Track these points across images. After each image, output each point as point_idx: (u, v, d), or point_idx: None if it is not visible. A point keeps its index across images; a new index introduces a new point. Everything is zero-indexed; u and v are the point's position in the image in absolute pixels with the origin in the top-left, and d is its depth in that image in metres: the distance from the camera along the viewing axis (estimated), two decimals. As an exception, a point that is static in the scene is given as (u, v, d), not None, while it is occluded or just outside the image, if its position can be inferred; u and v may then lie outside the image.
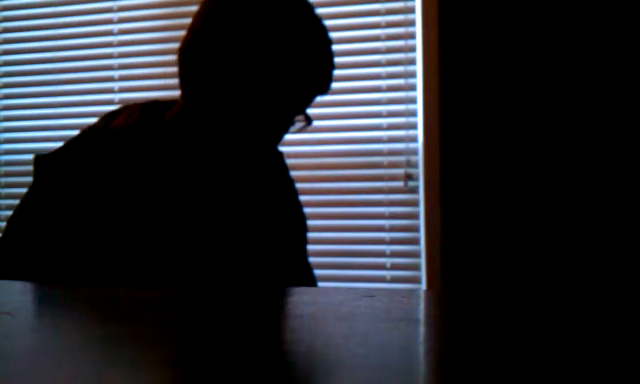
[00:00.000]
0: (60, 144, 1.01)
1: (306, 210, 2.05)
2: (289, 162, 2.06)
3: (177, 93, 2.27)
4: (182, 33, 2.13)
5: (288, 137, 2.15)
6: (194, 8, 2.17)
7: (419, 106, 1.96)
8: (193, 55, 0.93)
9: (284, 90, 0.90)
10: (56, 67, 2.27)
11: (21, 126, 2.31)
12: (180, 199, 0.95)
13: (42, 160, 0.99)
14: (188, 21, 2.16)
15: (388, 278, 2.01)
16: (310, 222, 2.05)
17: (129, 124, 0.98)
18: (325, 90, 0.99)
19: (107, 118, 1.02)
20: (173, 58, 2.14)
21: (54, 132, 2.26)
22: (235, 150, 0.96)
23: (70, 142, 1.01)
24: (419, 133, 1.97)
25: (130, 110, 1.01)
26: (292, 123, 0.97)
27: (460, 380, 0.37)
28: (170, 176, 0.95)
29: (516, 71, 1.86)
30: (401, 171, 2.00)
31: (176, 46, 2.15)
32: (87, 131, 1.01)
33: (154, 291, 0.70)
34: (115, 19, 2.21)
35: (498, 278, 1.87)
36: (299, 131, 0.99)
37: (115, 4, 2.20)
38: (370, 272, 2.02)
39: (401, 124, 2.00)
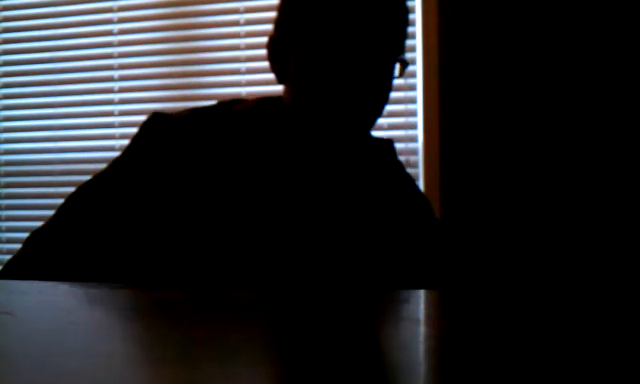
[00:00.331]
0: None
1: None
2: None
3: (175, 93, 2.27)
4: (182, 33, 2.14)
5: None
6: (194, 8, 2.19)
7: (419, 106, 1.96)
8: (277, 45, 0.92)
9: (366, 43, 0.83)
10: (56, 67, 2.27)
11: (21, 125, 2.31)
12: (293, 192, 0.88)
13: (158, 117, 0.95)
14: (188, 21, 2.18)
15: (388, 277, 2.01)
16: (309, 222, 2.05)
17: (247, 107, 0.95)
18: (403, 26, 0.88)
19: (233, 100, 0.99)
20: (173, 58, 2.14)
21: (54, 132, 2.26)
22: (350, 125, 0.87)
23: (194, 109, 0.97)
24: (419, 133, 1.97)
25: (250, 99, 0.99)
26: (392, 74, 0.89)
27: (460, 380, 0.37)
28: (283, 165, 0.89)
29: (516, 71, 1.86)
30: (401, 171, 2.00)
31: (176, 46, 2.17)
32: (213, 105, 0.98)
33: (160, 292, 0.70)
34: (115, 19, 2.21)
35: (497, 278, 1.87)
36: (402, 76, 0.92)
37: (115, 4, 2.20)
38: (370, 272, 2.02)
39: (400, 124, 2.00)
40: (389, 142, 1.01)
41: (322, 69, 0.83)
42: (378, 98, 0.87)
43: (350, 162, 0.91)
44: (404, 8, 0.87)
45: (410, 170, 1.96)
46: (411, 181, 1.01)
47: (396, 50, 0.87)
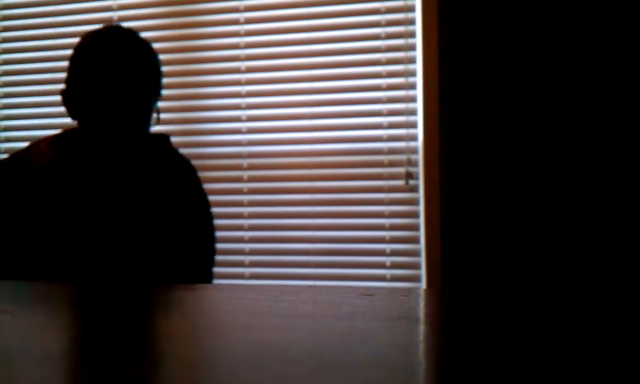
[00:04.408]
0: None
1: (306, 208, 2.05)
2: (290, 161, 2.07)
3: (175, 92, 2.27)
4: (182, 32, 2.14)
5: (288, 136, 2.15)
6: (194, 7, 2.19)
7: (419, 105, 1.96)
8: (69, 96, 1.29)
9: (116, 90, 1.24)
10: (56, 66, 2.27)
11: (21, 125, 2.31)
12: (87, 201, 1.23)
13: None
14: (188, 20, 2.18)
15: (388, 276, 2.01)
16: (310, 221, 2.06)
17: (54, 138, 1.34)
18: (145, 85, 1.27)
19: (39, 141, 1.35)
20: (173, 56, 2.15)
21: (53, 131, 2.26)
22: (115, 140, 1.25)
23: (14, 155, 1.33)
24: (419, 131, 1.97)
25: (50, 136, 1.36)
26: (146, 110, 1.29)
27: (460, 378, 0.37)
28: (77, 184, 1.24)
29: (516, 70, 1.86)
30: (401, 170, 2.00)
31: (176, 45, 2.17)
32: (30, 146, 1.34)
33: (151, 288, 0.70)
34: (115, 18, 2.21)
35: (497, 277, 1.87)
36: (157, 122, 1.34)
37: (115, 3, 2.20)
38: (370, 271, 2.02)
39: (401, 123, 2.00)
40: (164, 136, 1.37)
41: (94, 105, 1.26)
42: (131, 115, 1.26)
43: (131, 159, 1.28)
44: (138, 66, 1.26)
45: (410, 169, 1.98)
46: (182, 159, 1.37)
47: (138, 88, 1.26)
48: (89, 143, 1.28)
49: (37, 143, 1.33)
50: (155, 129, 1.39)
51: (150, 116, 1.31)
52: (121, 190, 1.25)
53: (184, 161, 1.36)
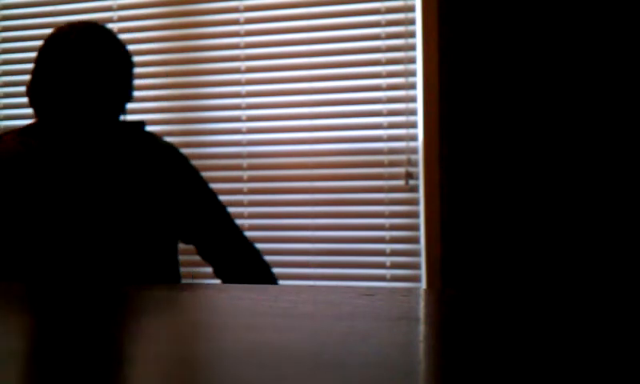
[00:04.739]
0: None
1: (306, 208, 2.05)
2: (290, 161, 2.07)
3: (175, 92, 2.27)
4: (182, 32, 2.14)
5: (288, 136, 2.14)
6: (194, 7, 2.19)
7: (419, 105, 1.96)
8: (34, 90, 1.28)
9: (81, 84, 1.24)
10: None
11: (21, 125, 2.31)
12: (65, 195, 1.21)
13: None
14: (188, 20, 2.18)
15: (388, 276, 2.01)
16: (310, 221, 2.06)
17: (15, 136, 1.30)
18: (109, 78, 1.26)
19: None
20: (173, 56, 2.14)
21: (54, 131, 2.26)
22: (85, 131, 1.25)
23: None
24: (419, 131, 1.97)
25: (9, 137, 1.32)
26: (112, 110, 1.28)
27: (460, 378, 0.37)
28: (45, 175, 1.22)
29: (516, 69, 1.86)
30: (401, 170, 2.00)
31: (176, 45, 2.17)
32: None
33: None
34: (115, 18, 2.21)
35: (498, 277, 1.87)
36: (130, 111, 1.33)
37: (115, 3, 2.20)
38: (370, 271, 2.02)
39: (401, 123, 2.00)
40: (138, 123, 1.33)
41: (57, 100, 1.25)
42: (95, 113, 1.26)
43: (101, 147, 1.25)
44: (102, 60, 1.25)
45: (410, 169, 1.98)
46: (160, 143, 1.33)
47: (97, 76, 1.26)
48: (55, 135, 1.26)
49: (1, 136, 1.31)
50: (132, 118, 1.37)
51: (118, 116, 1.30)
52: (91, 179, 1.23)
53: (164, 144, 1.33)
